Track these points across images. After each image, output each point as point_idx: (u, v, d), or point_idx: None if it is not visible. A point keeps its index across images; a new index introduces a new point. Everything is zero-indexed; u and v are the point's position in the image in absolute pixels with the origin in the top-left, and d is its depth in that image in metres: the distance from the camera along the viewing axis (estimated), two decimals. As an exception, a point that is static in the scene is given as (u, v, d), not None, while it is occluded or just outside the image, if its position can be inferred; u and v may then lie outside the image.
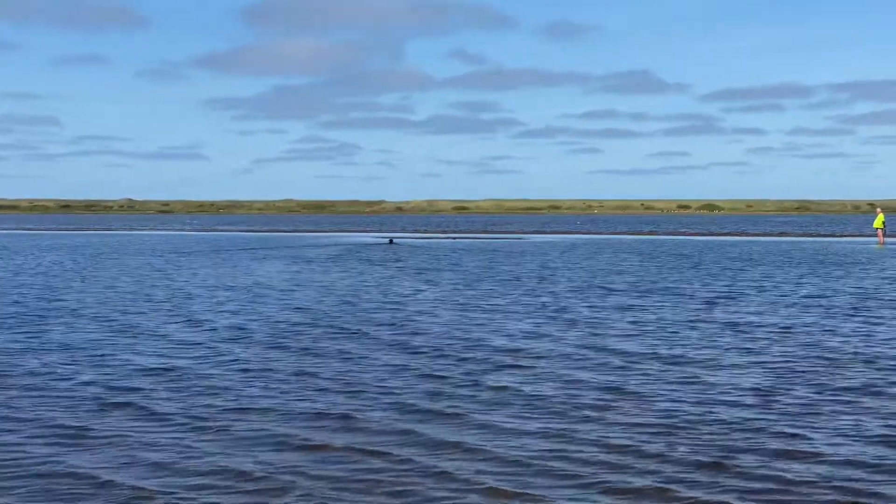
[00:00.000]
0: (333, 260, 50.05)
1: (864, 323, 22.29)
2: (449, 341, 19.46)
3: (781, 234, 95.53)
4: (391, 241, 74.18)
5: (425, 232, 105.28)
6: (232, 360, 17.32)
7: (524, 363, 16.88)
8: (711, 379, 15.33)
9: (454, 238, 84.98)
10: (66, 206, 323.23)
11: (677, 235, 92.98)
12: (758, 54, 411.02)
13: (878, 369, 16.10)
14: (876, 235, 71.61)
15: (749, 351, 18.11)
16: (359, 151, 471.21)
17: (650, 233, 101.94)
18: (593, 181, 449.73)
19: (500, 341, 19.47)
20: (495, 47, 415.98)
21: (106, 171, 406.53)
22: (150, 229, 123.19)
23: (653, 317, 23.58)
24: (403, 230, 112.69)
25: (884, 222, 69.42)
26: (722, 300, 27.70)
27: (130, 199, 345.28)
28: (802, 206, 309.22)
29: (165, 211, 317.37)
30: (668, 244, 70.49)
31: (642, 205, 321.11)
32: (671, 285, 32.94)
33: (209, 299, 28.35)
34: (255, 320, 23.17)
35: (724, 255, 53.24)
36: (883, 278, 35.73)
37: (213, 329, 21.65)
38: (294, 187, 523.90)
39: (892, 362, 16.80)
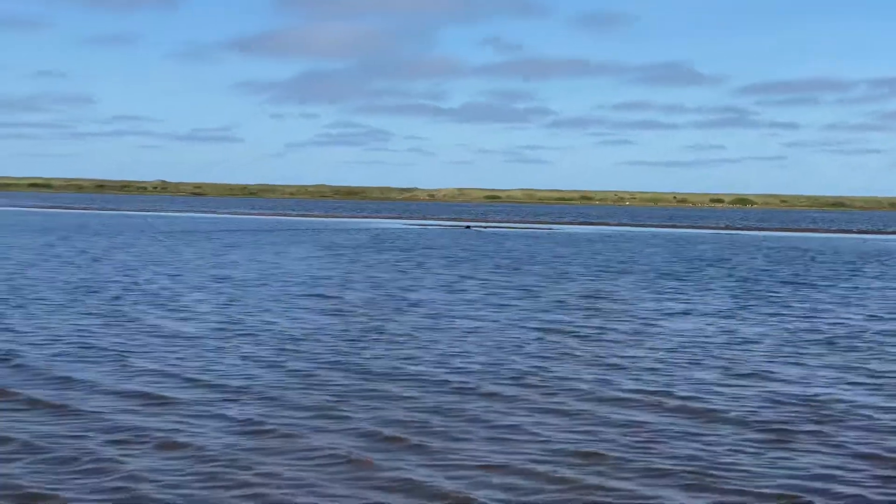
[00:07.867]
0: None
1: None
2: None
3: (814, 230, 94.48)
4: (468, 227, 78.12)
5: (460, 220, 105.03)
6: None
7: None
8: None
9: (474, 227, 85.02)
10: (100, 186, 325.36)
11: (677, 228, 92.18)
12: (794, 48, 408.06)
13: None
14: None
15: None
16: (390, 138, 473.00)
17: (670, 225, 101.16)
18: (626, 172, 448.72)
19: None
20: (529, 35, 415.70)
21: (139, 151, 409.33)
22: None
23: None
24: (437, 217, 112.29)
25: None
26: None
27: (164, 181, 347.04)
28: (838, 203, 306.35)
29: (198, 193, 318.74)
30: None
31: (675, 197, 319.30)
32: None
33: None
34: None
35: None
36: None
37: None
38: (325, 172, 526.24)
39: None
